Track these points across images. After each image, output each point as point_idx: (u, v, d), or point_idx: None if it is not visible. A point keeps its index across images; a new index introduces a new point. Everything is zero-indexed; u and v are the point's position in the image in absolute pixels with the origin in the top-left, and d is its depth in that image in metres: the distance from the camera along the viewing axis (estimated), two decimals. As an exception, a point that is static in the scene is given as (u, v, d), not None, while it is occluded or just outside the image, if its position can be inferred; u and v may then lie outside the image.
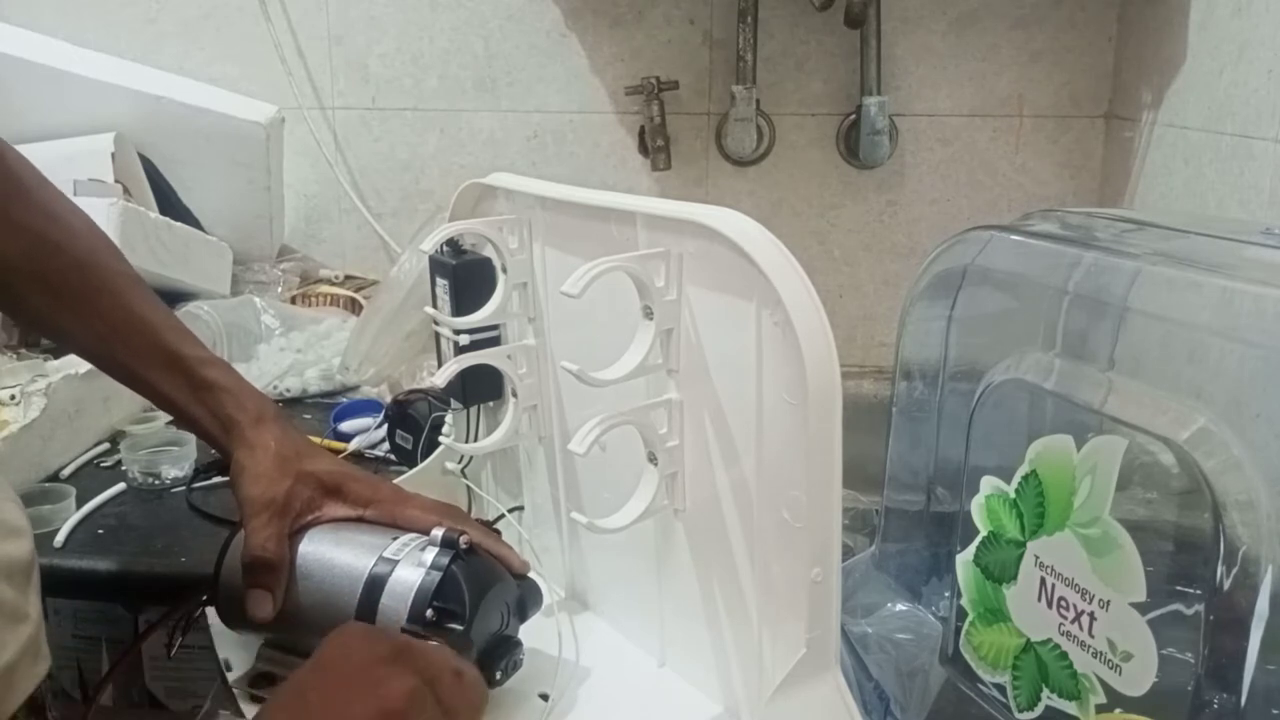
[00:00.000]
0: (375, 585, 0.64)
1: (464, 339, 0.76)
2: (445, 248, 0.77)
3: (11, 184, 0.72)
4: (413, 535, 0.68)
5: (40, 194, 0.74)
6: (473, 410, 0.82)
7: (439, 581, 0.63)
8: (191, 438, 1.03)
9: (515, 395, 0.78)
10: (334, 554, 0.67)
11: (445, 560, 0.64)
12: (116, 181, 1.29)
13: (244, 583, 0.67)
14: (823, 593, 0.57)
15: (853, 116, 1.44)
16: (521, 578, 0.69)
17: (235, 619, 0.70)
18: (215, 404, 0.72)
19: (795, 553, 0.57)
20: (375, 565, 0.65)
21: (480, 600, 0.64)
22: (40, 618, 0.67)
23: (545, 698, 0.68)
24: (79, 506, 0.97)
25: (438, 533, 0.66)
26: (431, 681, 0.54)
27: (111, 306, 0.73)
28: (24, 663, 0.63)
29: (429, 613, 0.63)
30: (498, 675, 0.65)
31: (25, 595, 0.65)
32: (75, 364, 1.05)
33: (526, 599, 0.69)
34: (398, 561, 0.65)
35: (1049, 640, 0.62)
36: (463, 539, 0.65)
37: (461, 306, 0.77)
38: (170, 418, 0.76)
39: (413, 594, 0.63)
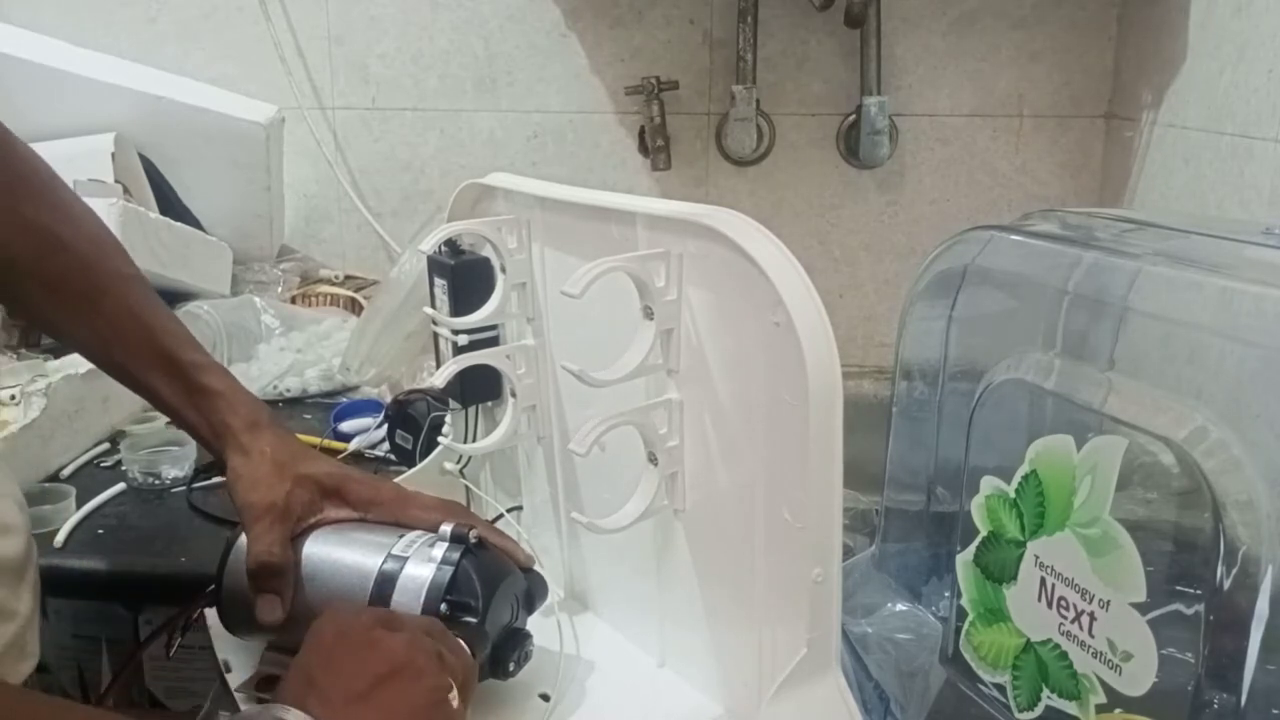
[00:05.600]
0: (386, 582, 0.64)
1: (463, 339, 0.76)
2: (444, 248, 0.77)
3: (23, 182, 0.72)
4: (419, 532, 0.67)
5: (51, 192, 0.74)
6: (471, 410, 0.82)
7: (451, 576, 0.63)
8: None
9: (514, 395, 0.78)
10: (341, 554, 0.67)
11: (456, 555, 0.64)
12: (116, 181, 1.29)
13: (251, 588, 0.66)
14: (823, 593, 0.57)
15: (853, 116, 1.44)
16: (528, 570, 0.69)
17: (239, 624, 0.70)
18: (209, 409, 0.72)
19: (796, 553, 0.57)
20: (385, 563, 0.65)
21: (493, 593, 0.64)
22: (32, 615, 0.67)
23: (546, 698, 0.68)
24: (79, 506, 0.97)
25: (446, 528, 0.66)
26: (427, 634, 0.57)
27: (112, 307, 0.73)
28: (8, 659, 0.63)
29: (443, 607, 0.63)
30: (510, 667, 0.65)
31: (15, 593, 0.65)
32: (75, 364, 1.05)
33: (534, 591, 0.69)
34: (407, 558, 0.65)
35: (1049, 640, 0.62)
36: (471, 533, 0.65)
37: (460, 307, 0.76)
38: (169, 419, 0.77)
39: (425, 589, 0.63)
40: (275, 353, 1.28)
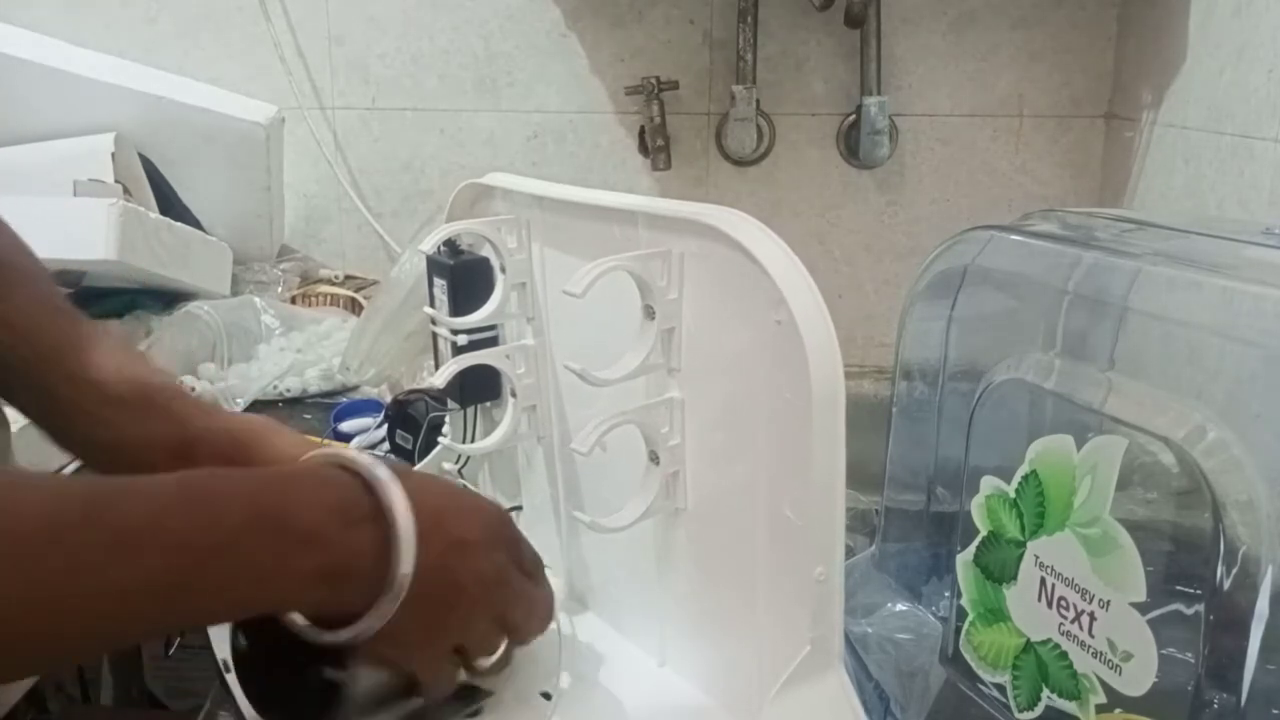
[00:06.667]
0: None
1: (462, 339, 0.76)
2: (443, 248, 0.77)
3: None
4: None
5: None
6: (471, 410, 0.82)
7: None
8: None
9: (514, 395, 0.78)
10: None
11: None
12: (116, 181, 1.29)
13: None
14: (826, 591, 0.57)
15: (853, 116, 1.44)
16: None
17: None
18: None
19: (798, 551, 0.57)
20: None
21: None
22: None
23: (547, 697, 0.68)
24: (79, 506, 0.97)
25: None
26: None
27: (25, 299, 0.68)
28: None
29: None
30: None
31: None
32: (75, 364, 1.05)
33: None
34: None
35: (1049, 640, 0.62)
36: None
37: (459, 306, 0.76)
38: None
39: None
40: (275, 353, 1.28)
